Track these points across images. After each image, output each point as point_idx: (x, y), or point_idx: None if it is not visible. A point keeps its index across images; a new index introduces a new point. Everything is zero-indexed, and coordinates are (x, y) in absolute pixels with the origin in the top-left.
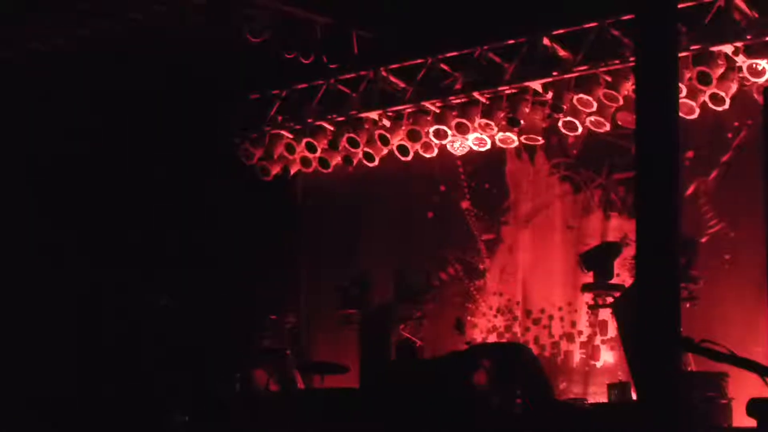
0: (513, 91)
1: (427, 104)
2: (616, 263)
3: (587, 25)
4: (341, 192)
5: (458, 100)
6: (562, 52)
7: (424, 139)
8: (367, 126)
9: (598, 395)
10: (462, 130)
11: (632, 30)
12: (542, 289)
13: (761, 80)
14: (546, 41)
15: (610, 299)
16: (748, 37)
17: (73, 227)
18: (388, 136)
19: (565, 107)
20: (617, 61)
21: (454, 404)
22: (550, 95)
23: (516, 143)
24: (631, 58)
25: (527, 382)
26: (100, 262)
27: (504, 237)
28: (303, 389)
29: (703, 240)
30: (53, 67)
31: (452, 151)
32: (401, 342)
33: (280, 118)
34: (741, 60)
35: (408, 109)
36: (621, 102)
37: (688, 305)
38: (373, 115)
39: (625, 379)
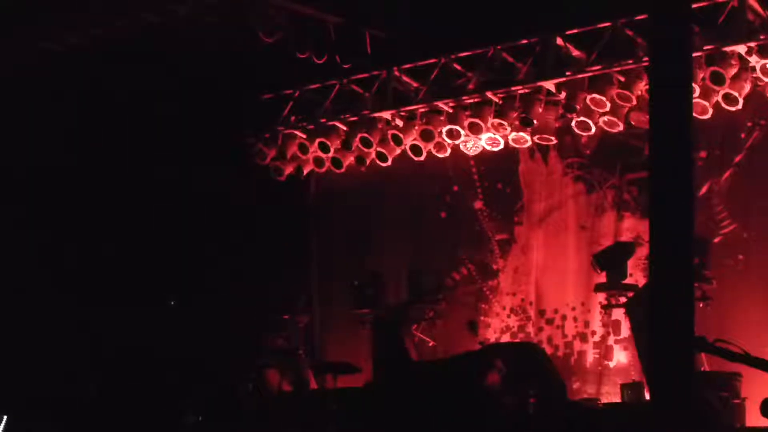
0: (526, 90)
1: (440, 104)
2: (630, 263)
3: (601, 25)
4: (354, 192)
5: (471, 100)
6: (575, 52)
7: (437, 139)
8: (380, 126)
9: (611, 395)
10: (475, 129)
11: (646, 30)
12: (555, 289)
13: None
14: (559, 41)
15: (623, 299)
16: (762, 37)
17: (83, 228)
18: (401, 136)
19: (578, 107)
20: (630, 61)
21: (467, 404)
22: (563, 95)
23: (529, 143)
24: (645, 58)
25: (541, 382)
26: (110, 263)
27: (517, 237)
28: (316, 389)
29: (716, 240)
30: (66, 67)
31: (465, 151)
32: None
33: (293, 118)
34: (754, 60)
35: (421, 108)
36: (634, 102)
37: (701, 305)
38: (386, 114)
39: (638, 379)
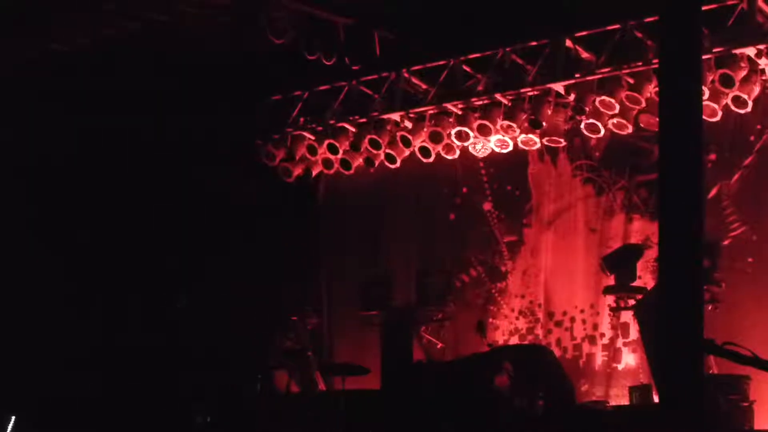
0: (535, 92)
1: (449, 106)
2: (639, 266)
3: (610, 27)
4: (363, 193)
5: (480, 102)
6: (584, 54)
7: (446, 141)
8: (389, 127)
9: (619, 397)
10: (484, 131)
11: (655, 32)
12: (564, 291)
13: None
14: (569, 43)
15: (632, 302)
16: None
17: (96, 226)
18: (410, 137)
19: (587, 109)
20: (640, 63)
21: (475, 406)
22: (572, 97)
23: (538, 145)
24: (654, 60)
25: (549, 384)
26: (122, 263)
27: (526, 239)
28: (324, 390)
29: (726, 243)
30: (77, 68)
31: (474, 152)
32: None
33: (302, 119)
34: (764, 62)
35: (430, 110)
36: (643, 104)
37: (710, 308)
38: (395, 116)
39: (647, 382)
